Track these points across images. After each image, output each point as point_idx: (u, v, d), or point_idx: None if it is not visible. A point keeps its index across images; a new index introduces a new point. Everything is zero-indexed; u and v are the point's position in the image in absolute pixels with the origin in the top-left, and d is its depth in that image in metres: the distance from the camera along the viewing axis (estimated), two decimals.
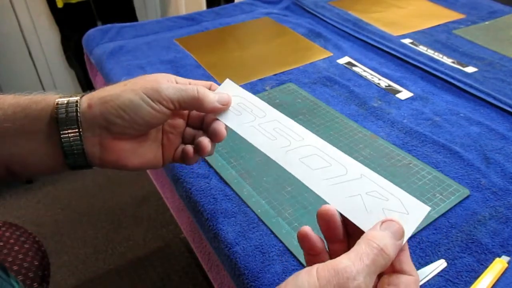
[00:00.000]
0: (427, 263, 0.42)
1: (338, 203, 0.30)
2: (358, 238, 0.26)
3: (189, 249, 1.27)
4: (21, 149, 0.33)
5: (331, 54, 0.82)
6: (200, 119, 0.40)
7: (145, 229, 1.35)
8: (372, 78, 0.74)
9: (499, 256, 0.43)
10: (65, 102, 0.33)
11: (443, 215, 0.47)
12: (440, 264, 0.42)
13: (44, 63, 1.71)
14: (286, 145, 0.35)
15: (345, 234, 0.30)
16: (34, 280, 0.65)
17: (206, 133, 0.39)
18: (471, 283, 0.40)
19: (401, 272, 0.26)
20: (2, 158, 0.33)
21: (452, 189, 0.51)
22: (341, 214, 0.30)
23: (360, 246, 0.25)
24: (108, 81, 0.76)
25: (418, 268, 0.41)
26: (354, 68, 0.77)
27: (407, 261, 0.26)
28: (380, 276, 0.26)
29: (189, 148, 0.39)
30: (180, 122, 0.40)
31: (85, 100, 0.34)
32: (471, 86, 0.70)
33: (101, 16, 1.68)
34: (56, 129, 0.33)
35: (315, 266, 0.24)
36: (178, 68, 0.76)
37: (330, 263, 0.24)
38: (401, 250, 0.26)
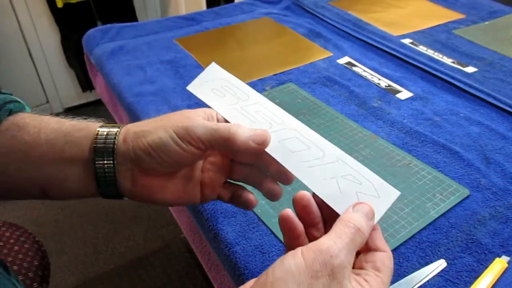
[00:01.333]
0: (427, 263, 0.42)
1: (314, 185, 0.32)
2: (333, 222, 0.28)
3: (189, 249, 1.27)
4: (58, 173, 0.34)
5: (331, 54, 0.82)
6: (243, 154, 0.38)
7: (145, 229, 1.35)
8: (372, 78, 0.74)
9: (499, 256, 0.43)
10: (105, 133, 0.34)
11: (443, 215, 0.47)
12: (440, 264, 0.42)
13: (44, 63, 1.71)
14: (266, 127, 0.35)
15: (321, 218, 0.32)
16: (34, 280, 0.65)
17: (257, 168, 0.38)
18: (471, 283, 0.40)
19: (375, 249, 0.29)
20: (38, 179, 0.34)
21: (452, 189, 0.51)
22: (316, 200, 0.31)
23: (338, 227, 0.27)
24: (108, 81, 0.76)
25: (418, 268, 0.41)
26: (354, 68, 0.77)
27: (379, 238, 0.29)
28: (357, 255, 0.29)
29: (249, 195, 0.37)
30: (218, 159, 0.38)
31: (123, 132, 0.34)
32: (471, 86, 0.70)
33: (101, 16, 1.68)
34: (92, 158, 0.34)
35: (299, 249, 0.26)
36: (178, 68, 0.76)
37: (314, 244, 0.26)
38: (373, 229, 0.29)
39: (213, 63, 0.41)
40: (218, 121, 0.36)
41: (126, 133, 0.34)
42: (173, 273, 1.21)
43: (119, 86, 0.72)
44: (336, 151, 0.33)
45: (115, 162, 0.33)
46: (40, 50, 1.68)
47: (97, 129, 0.34)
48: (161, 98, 0.68)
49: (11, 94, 0.37)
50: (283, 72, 0.76)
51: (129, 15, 1.75)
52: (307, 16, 0.99)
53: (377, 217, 0.29)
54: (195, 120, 0.34)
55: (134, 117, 0.65)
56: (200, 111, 0.35)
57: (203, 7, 1.54)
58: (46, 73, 1.74)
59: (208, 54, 0.81)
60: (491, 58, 0.80)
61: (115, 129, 0.34)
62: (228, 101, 0.38)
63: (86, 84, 1.79)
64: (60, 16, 1.61)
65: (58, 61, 1.74)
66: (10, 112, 0.35)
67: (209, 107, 0.38)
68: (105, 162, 0.33)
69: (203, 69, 0.77)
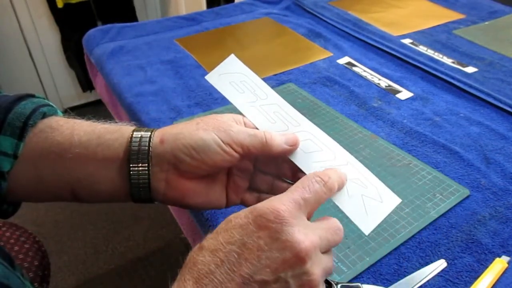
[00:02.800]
0: (427, 263, 0.42)
1: None
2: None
3: (189, 249, 1.26)
4: (89, 175, 0.34)
5: (331, 54, 0.82)
6: (268, 161, 0.39)
7: (145, 229, 1.35)
8: (372, 78, 0.74)
9: (499, 256, 0.43)
10: (139, 136, 0.34)
11: (443, 215, 0.47)
12: (440, 264, 0.42)
13: (44, 63, 1.71)
14: (284, 129, 0.37)
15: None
16: (34, 280, 0.65)
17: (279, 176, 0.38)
18: (471, 283, 0.40)
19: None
20: (70, 181, 0.34)
21: (452, 189, 0.51)
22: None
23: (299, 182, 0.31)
24: (108, 81, 0.76)
25: (418, 268, 0.41)
26: (354, 68, 0.77)
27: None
28: None
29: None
30: (247, 164, 0.38)
31: (158, 134, 0.35)
32: (471, 86, 0.70)
33: (101, 16, 1.68)
34: (126, 161, 0.34)
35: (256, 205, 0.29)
36: (178, 68, 0.76)
37: (266, 201, 0.28)
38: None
39: (232, 55, 0.41)
40: (245, 125, 0.37)
41: (163, 135, 0.34)
42: (173, 273, 1.21)
43: (119, 86, 0.72)
44: (347, 155, 0.35)
45: (149, 165, 0.34)
46: (40, 50, 1.68)
47: (131, 133, 0.34)
48: (161, 98, 0.68)
49: (44, 99, 0.37)
50: (283, 72, 0.76)
51: (129, 15, 1.75)
52: (307, 16, 0.99)
53: (378, 221, 0.31)
54: (232, 125, 0.34)
55: (134, 117, 0.65)
56: (229, 116, 0.36)
57: (203, 7, 1.55)
58: (46, 73, 1.74)
59: (208, 54, 0.81)
60: (491, 58, 0.80)
61: (148, 133, 0.35)
62: (247, 98, 0.38)
63: (86, 84, 1.79)
64: (60, 16, 1.61)
65: (58, 61, 1.74)
66: (44, 115, 0.35)
67: (224, 98, 0.38)
68: (140, 165, 0.33)
69: (203, 69, 0.77)
